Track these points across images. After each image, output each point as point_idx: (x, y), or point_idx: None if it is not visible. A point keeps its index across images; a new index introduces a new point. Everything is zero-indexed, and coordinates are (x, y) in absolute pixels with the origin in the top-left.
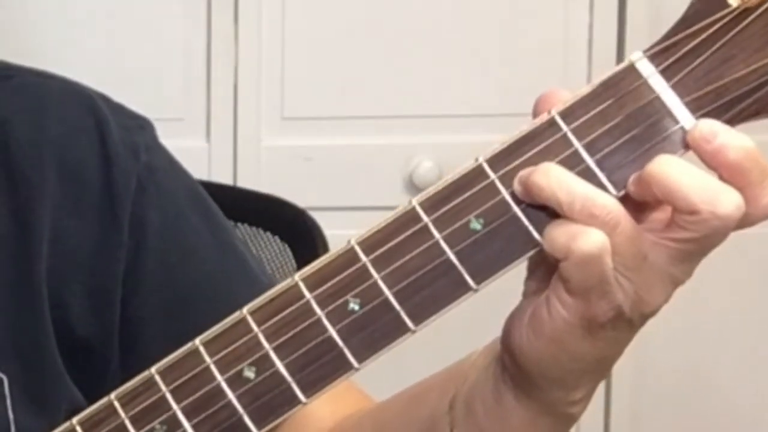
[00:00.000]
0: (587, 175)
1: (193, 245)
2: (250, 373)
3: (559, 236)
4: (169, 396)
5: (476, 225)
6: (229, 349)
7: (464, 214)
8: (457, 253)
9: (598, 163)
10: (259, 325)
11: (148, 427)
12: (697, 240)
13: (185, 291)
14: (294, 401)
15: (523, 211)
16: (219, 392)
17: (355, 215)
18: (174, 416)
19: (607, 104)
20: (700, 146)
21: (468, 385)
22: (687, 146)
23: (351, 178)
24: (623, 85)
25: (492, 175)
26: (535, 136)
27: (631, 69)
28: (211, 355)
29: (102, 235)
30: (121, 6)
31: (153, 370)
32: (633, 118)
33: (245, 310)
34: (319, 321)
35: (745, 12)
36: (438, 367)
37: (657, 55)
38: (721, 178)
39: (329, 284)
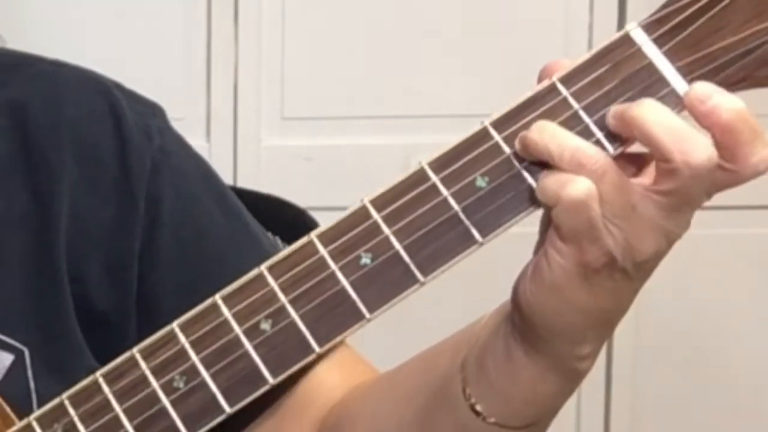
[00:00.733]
0: (586, 134)
1: (206, 223)
2: (266, 326)
3: (550, 184)
4: (188, 347)
5: (481, 182)
6: (247, 302)
7: (470, 172)
8: (463, 209)
9: (596, 123)
10: (275, 279)
11: (167, 378)
12: (677, 191)
13: (199, 267)
14: (308, 351)
15: (526, 168)
16: (237, 343)
17: None
18: (193, 367)
19: (604, 70)
20: (694, 106)
21: (479, 345)
22: (678, 107)
23: (351, 178)
24: (619, 52)
25: (496, 137)
26: (537, 100)
27: (626, 38)
28: (229, 309)
29: (118, 213)
30: (121, 6)
31: (174, 324)
32: (628, 82)
33: (263, 266)
34: (332, 274)
35: None
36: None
37: (650, 25)
38: (714, 138)
39: (342, 240)
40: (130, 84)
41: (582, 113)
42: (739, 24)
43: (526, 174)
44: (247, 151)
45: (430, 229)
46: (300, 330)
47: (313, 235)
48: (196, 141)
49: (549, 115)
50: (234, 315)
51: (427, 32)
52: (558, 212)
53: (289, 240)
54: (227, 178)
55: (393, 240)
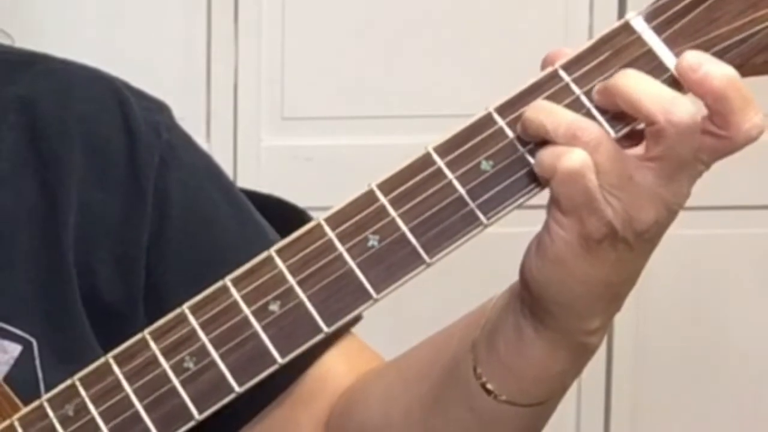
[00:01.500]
0: (588, 118)
1: (213, 215)
2: (275, 307)
3: (546, 157)
4: (198, 329)
5: (486, 166)
6: (256, 284)
7: (475, 156)
8: (468, 191)
9: (598, 108)
10: (284, 261)
11: (178, 358)
12: (667, 154)
13: (207, 258)
14: (317, 331)
15: (529, 152)
16: (246, 324)
17: None
18: (203, 347)
19: (605, 56)
20: (686, 75)
21: (489, 325)
22: (676, 89)
23: (351, 178)
24: (619, 39)
25: (500, 121)
26: (540, 86)
27: (626, 26)
28: (238, 291)
29: (127, 206)
30: (121, 6)
31: (184, 306)
32: (628, 67)
33: (272, 249)
34: (340, 256)
35: None
36: None
37: (650, 14)
38: (707, 105)
39: (349, 223)
40: (130, 83)
41: (583, 98)
42: (735, 13)
43: (529, 157)
44: (247, 151)
45: (435, 211)
46: (308, 310)
47: (321, 218)
48: (196, 141)
49: (551, 100)
50: (243, 296)
51: (427, 32)
52: (555, 184)
53: None
54: None
55: (399, 222)
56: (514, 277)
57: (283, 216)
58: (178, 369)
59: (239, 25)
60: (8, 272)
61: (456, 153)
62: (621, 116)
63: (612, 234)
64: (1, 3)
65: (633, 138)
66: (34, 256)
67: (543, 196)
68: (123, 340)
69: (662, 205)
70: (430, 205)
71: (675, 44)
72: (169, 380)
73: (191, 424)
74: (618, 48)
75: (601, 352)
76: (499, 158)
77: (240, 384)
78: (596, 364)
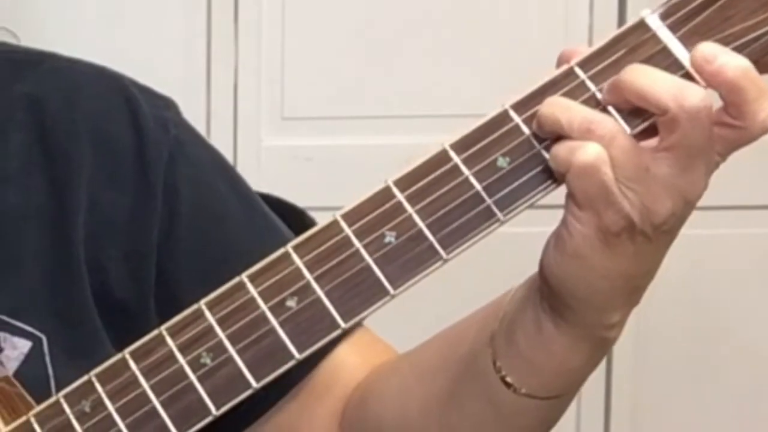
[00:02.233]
0: None
1: (223, 211)
2: (292, 303)
3: (561, 152)
4: (215, 325)
5: (502, 162)
6: (273, 280)
7: (491, 153)
8: (485, 188)
9: (613, 105)
10: (300, 257)
11: (194, 354)
12: (680, 142)
13: (218, 254)
14: (334, 326)
15: (546, 148)
16: (263, 320)
17: None
18: (220, 343)
19: (620, 54)
20: (701, 67)
21: (508, 318)
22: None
23: (351, 178)
24: (634, 37)
25: (516, 118)
26: (556, 83)
27: (641, 24)
28: (255, 287)
29: (136, 203)
30: (121, 6)
31: (201, 302)
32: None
33: (288, 245)
34: (357, 252)
35: None
36: None
37: (664, 12)
38: (722, 97)
39: (366, 219)
40: None
41: (599, 95)
42: (748, 12)
43: (545, 153)
44: (247, 151)
45: (452, 207)
46: (325, 306)
47: (337, 215)
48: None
49: (567, 97)
50: (260, 293)
51: (427, 32)
52: (571, 178)
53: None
54: None
55: (416, 218)
56: (523, 276)
57: (283, 216)
58: (195, 365)
59: (239, 25)
60: (17, 269)
61: (472, 150)
62: (636, 112)
63: (630, 227)
64: (1, 3)
65: (646, 131)
66: (44, 253)
67: (554, 196)
68: (134, 337)
69: (679, 197)
70: (446, 202)
71: (690, 42)
72: (186, 376)
73: (208, 419)
74: (633, 45)
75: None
76: (515, 155)
77: (257, 380)
78: None
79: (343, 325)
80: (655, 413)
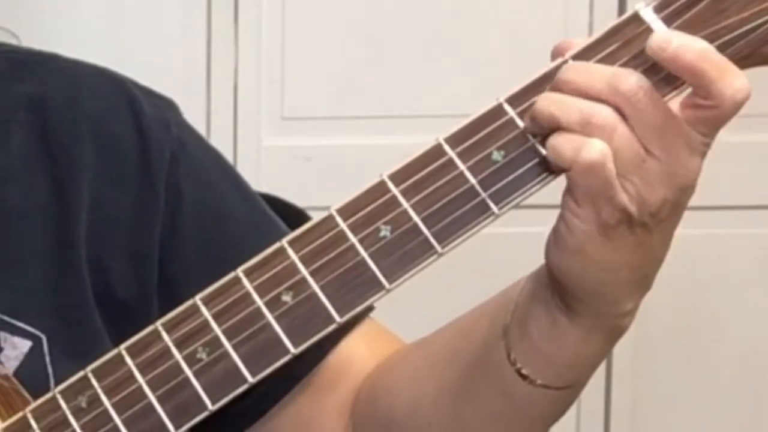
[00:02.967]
0: None
1: (225, 209)
2: (287, 297)
3: (564, 148)
4: (211, 320)
5: (497, 156)
6: (268, 275)
7: (486, 146)
8: (480, 182)
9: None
10: (296, 252)
11: (191, 349)
12: (639, 126)
13: (220, 252)
14: (329, 321)
15: (540, 142)
16: (258, 315)
17: None
18: (216, 338)
19: (615, 47)
20: (658, 55)
21: (520, 311)
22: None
23: (351, 178)
24: (628, 30)
25: (511, 112)
26: (550, 76)
27: (635, 16)
28: (251, 282)
29: (139, 203)
30: (121, 6)
31: (197, 298)
32: (637, 58)
33: (284, 240)
34: (352, 246)
35: None
36: None
37: (659, 5)
38: (687, 81)
39: (361, 213)
40: None
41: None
42: (743, 4)
43: (540, 147)
44: (247, 151)
45: (447, 201)
46: (321, 301)
47: (332, 209)
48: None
49: None
50: (256, 287)
51: (427, 32)
52: (574, 176)
53: None
54: None
55: (411, 212)
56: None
57: (283, 216)
58: (191, 360)
59: (239, 25)
60: (18, 269)
61: (467, 143)
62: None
63: (628, 219)
64: (2, 2)
65: None
66: (45, 252)
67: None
68: None
69: (670, 182)
70: (441, 196)
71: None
72: (182, 371)
73: (204, 414)
74: (627, 39)
75: None
76: (510, 148)
77: (253, 374)
78: None
79: (338, 319)
80: (654, 413)
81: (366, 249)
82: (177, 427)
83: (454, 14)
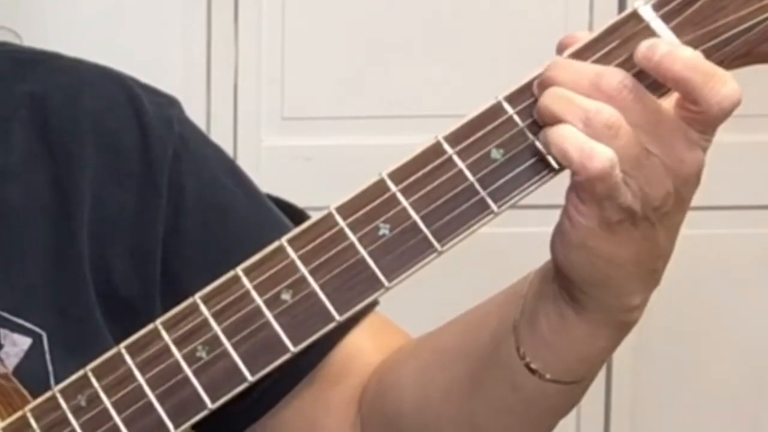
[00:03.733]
0: None
1: (228, 205)
2: (287, 296)
3: (569, 149)
4: (210, 318)
5: (496, 154)
6: (268, 274)
7: (485, 144)
8: (479, 180)
9: None
10: (295, 251)
11: (190, 348)
12: (630, 123)
13: (224, 249)
14: (329, 319)
15: (540, 140)
16: (258, 313)
17: None
18: (215, 337)
19: (614, 45)
20: (644, 64)
21: (529, 306)
22: None
23: (351, 178)
24: (627, 28)
25: (510, 110)
26: None
27: (634, 14)
28: (250, 280)
29: (141, 200)
30: (121, 6)
31: (196, 296)
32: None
33: (283, 239)
34: (351, 245)
35: None
36: None
37: (658, 3)
38: (673, 89)
39: (361, 212)
40: None
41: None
42: (741, 2)
43: (539, 145)
44: (247, 151)
45: (446, 199)
46: (320, 299)
47: (332, 207)
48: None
49: None
50: (255, 286)
51: (427, 32)
52: (582, 182)
53: None
54: None
55: (410, 211)
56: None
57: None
58: (190, 358)
59: (239, 25)
60: (19, 266)
61: (466, 142)
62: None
63: (631, 215)
64: (3, 2)
65: None
66: (45, 250)
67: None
68: None
69: (671, 175)
70: (440, 194)
71: (683, 33)
72: (182, 370)
73: (204, 413)
74: (626, 37)
75: None
76: (509, 146)
77: (253, 373)
78: None
79: (338, 318)
80: (654, 413)
81: (365, 247)
82: (176, 425)
83: (453, 14)
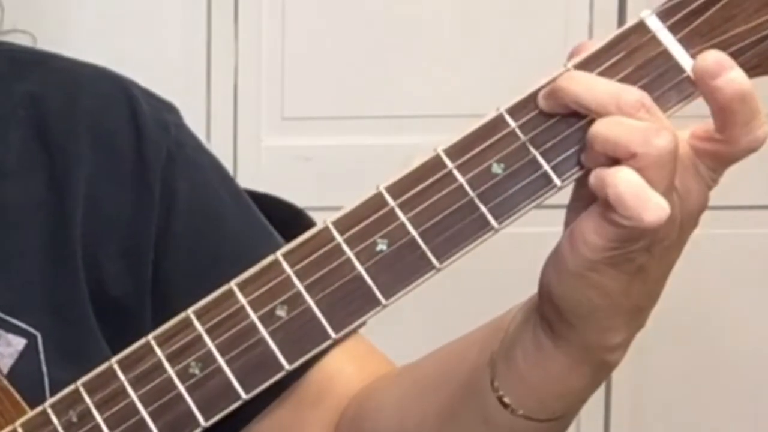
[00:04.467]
0: None
1: (219, 212)
2: (282, 312)
3: (629, 201)
4: (204, 334)
5: (497, 169)
6: (263, 289)
7: (486, 159)
8: (479, 195)
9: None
10: (291, 266)
11: (183, 364)
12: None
13: (213, 253)
14: (325, 337)
15: (542, 154)
16: (252, 329)
17: None
18: (209, 353)
19: (619, 57)
20: (701, 79)
21: (509, 338)
22: (693, 94)
23: (351, 178)
24: (633, 39)
25: (512, 123)
26: None
27: (641, 25)
28: (245, 295)
29: (134, 201)
30: (121, 6)
31: (190, 311)
32: (642, 68)
33: (278, 253)
34: (348, 260)
35: None
36: None
37: (664, 13)
38: (712, 112)
39: (358, 227)
40: None
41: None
42: (751, 12)
43: (541, 160)
44: (247, 151)
45: (446, 215)
46: (316, 316)
47: (328, 221)
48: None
49: None
50: (250, 302)
51: (427, 33)
52: (629, 230)
53: (288, 240)
54: None
55: (409, 226)
56: (521, 276)
57: (282, 215)
58: (183, 375)
59: (239, 25)
60: (14, 265)
61: (467, 156)
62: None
63: (640, 250)
64: (19, 6)
65: None
66: (41, 250)
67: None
68: (129, 336)
69: (681, 205)
70: (440, 209)
71: (691, 44)
72: (175, 386)
73: (198, 431)
74: (632, 48)
75: None
76: (511, 161)
77: (247, 391)
78: None
79: (333, 335)
80: (654, 413)
81: (362, 263)
82: None
83: (453, 15)
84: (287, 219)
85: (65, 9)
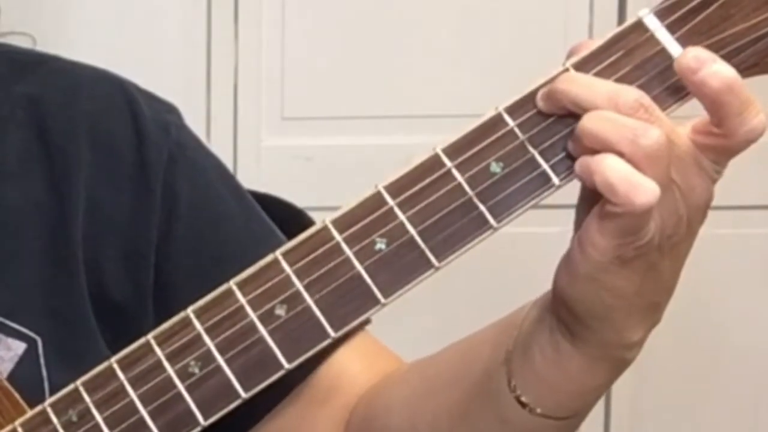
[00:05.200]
0: None
1: (221, 213)
2: (281, 311)
3: (619, 187)
4: (203, 333)
5: (496, 168)
6: (262, 288)
7: (484, 158)
8: (478, 194)
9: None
10: (290, 265)
11: (183, 363)
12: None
13: (215, 255)
14: (324, 336)
15: (540, 153)
16: (252, 329)
17: None
18: (208, 352)
19: (618, 56)
20: (685, 76)
21: (523, 337)
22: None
23: (351, 178)
24: (632, 38)
25: (510, 122)
26: None
27: (639, 24)
28: (244, 295)
29: (135, 203)
30: (121, 6)
31: (189, 310)
32: (641, 68)
33: (277, 252)
34: (347, 260)
35: None
36: None
37: (663, 11)
38: (705, 107)
39: (357, 226)
40: None
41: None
42: (749, 11)
43: (540, 159)
44: (247, 151)
45: (444, 214)
46: (315, 315)
47: (327, 221)
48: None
49: None
50: (249, 301)
51: (427, 33)
52: (617, 214)
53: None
54: None
55: (408, 225)
56: (522, 275)
57: (281, 215)
58: (183, 374)
59: (239, 25)
60: (14, 268)
61: (465, 155)
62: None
63: (648, 248)
64: (19, 7)
65: None
66: (41, 252)
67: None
68: (130, 340)
69: (686, 202)
70: (438, 208)
71: (689, 43)
72: (175, 386)
73: (197, 430)
74: (631, 47)
75: None
76: (509, 160)
77: (246, 390)
78: None
79: (333, 334)
80: (654, 413)
81: (361, 262)
82: None
83: (454, 14)
84: (287, 219)
85: (64, 10)
